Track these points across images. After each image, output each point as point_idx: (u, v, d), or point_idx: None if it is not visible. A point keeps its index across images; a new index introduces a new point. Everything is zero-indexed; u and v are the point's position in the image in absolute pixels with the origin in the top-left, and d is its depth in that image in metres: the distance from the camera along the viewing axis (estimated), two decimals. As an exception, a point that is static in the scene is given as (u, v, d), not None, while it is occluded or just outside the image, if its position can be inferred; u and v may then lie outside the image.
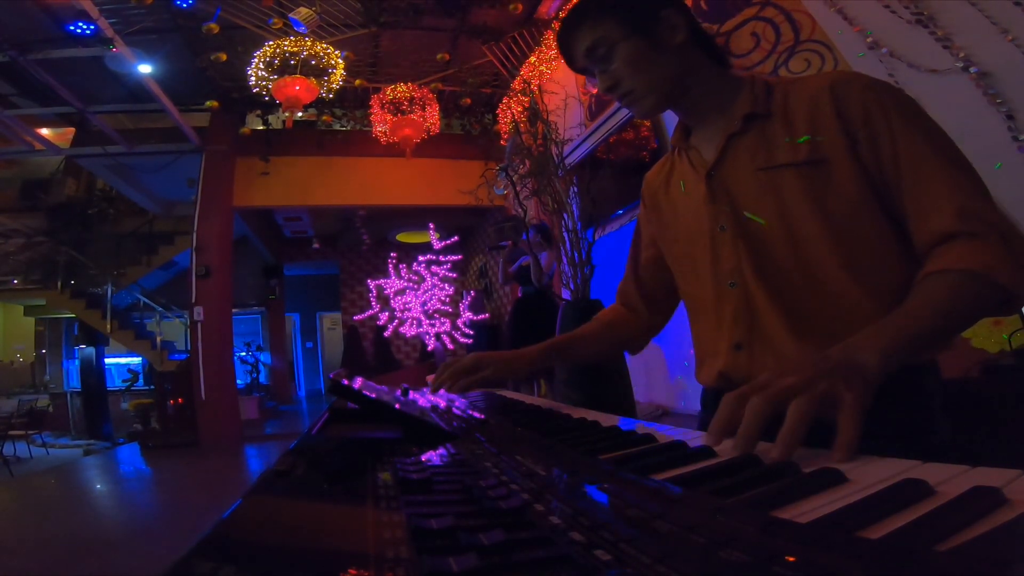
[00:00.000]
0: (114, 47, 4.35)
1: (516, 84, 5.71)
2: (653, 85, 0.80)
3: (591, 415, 0.73)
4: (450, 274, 6.63)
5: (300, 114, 5.62)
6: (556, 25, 5.08)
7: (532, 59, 5.39)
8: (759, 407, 0.46)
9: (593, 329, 1.04)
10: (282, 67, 4.42)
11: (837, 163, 0.71)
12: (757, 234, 0.77)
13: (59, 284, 7.25)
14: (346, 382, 0.71)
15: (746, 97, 0.79)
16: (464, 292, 8.07)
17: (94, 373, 7.81)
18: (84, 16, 4.10)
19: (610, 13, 0.79)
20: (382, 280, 6.64)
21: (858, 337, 0.55)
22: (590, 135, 4.56)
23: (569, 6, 4.29)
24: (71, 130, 6.58)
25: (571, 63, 0.86)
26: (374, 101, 5.60)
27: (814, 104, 0.74)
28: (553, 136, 2.86)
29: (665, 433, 0.57)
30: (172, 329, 8.34)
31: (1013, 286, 0.58)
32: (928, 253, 0.65)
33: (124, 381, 8.32)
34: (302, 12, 4.46)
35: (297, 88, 4.45)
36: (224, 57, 5.01)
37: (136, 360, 8.49)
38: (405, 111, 5.39)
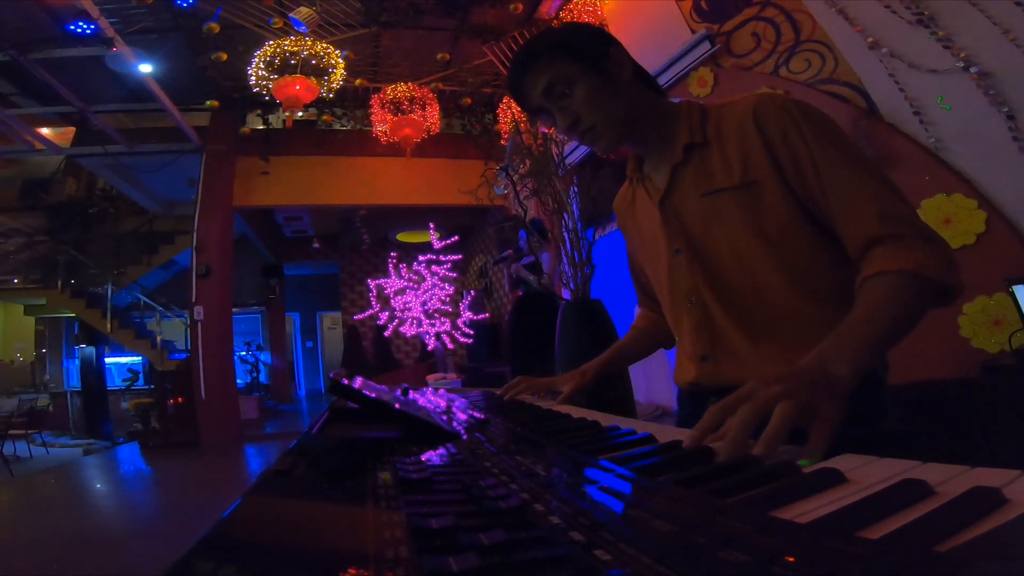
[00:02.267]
0: (115, 47, 4.35)
1: (516, 84, 5.70)
2: (612, 119, 0.83)
3: (591, 415, 0.74)
4: (450, 274, 6.61)
5: (300, 114, 5.61)
6: (556, 25, 5.07)
7: (532, 59, 5.39)
8: (747, 417, 0.48)
9: (632, 337, 1.17)
10: (282, 67, 4.41)
11: (766, 184, 0.77)
12: (710, 256, 0.83)
13: (59, 283, 7.25)
14: (346, 382, 0.71)
15: (684, 127, 0.84)
16: (464, 292, 8.06)
17: (94, 372, 7.81)
18: (84, 16, 4.10)
19: (563, 52, 0.82)
20: (382, 280, 6.63)
21: (827, 347, 0.59)
22: (590, 135, 4.56)
23: (568, 5, 4.25)
24: (71, 129, 6.58)
25: (525, 103, 0.87)
26: (374, 101, 5.59)
27: (741, 129, 0.79)
28: (553, 136, 2.85)
29: (665, 433, 0.57)
30: (172, 329, 8.34)
31: (942, 278, 0.64)
32: (861, 257, 0.70)
33: (124, 380, 8.30)
34: (302, 11, 4.45)
35: (297, 88, 4.44)
36: (224, 57, 5.00)
37: (136, 359, 8.48)
38: (405, 111, 5.38)
